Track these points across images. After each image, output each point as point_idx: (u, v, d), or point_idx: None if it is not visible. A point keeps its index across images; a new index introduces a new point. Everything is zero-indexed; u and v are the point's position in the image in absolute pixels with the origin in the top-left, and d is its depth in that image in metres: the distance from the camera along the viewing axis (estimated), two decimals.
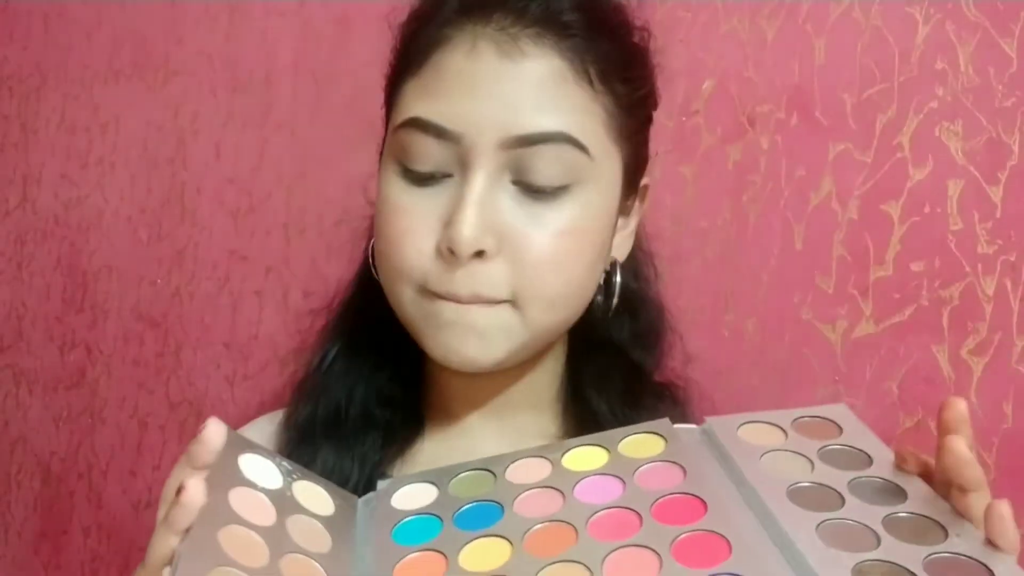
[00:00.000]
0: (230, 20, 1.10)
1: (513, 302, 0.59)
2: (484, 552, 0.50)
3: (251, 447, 0.53)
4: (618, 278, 0.68)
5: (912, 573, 0.44)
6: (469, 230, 0.56)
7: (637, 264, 0.74)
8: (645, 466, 0.53)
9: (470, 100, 0.57)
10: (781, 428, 0.55)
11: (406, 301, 0.61)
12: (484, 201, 0.57)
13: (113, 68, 1.15)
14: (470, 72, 0.58)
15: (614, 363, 0.70)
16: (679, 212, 0.98)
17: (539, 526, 0.50)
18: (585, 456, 0.55)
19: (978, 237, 0.92)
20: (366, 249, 0.72)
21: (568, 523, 0.50)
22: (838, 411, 0.57)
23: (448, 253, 0.57)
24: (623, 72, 0.62)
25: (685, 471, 0.52)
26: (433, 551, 0.50)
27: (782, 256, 0.96)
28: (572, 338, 0.69)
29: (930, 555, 0.45)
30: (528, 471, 0.55)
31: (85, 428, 1.17)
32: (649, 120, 0.68)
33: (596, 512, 0.50)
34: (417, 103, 0.59)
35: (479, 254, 0.57)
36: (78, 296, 1.16)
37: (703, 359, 0.89)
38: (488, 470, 0.56)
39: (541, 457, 0.56)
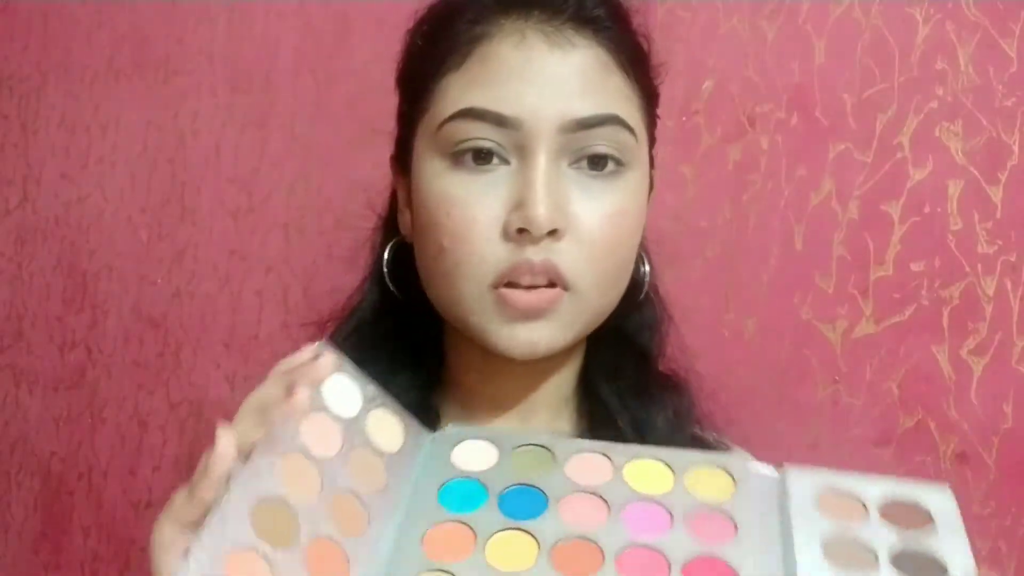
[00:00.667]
0: (230, 20, 1.10)
1: (573, 287, 0.60)
2: (511, 547, 0.49)
3: (341, 367, 0.53)
4: (646, 266, 0.70)
5: None
6: (545, 208, 0.57)
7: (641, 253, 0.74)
8: (702, 511, 0.51)
9: (526, 87, 0.59)
10: (865, 506, 0.50)
11: (470, 295, 0.60)
12: (551, 182, 0.58)
13: (113, 68, 1.15)
14: (522, 61, 0.59)
15: (623, 352, 0.71)
16: (679, 212, 0.98)
17: (572, 540, 0.49)
18: (649, 472, 0.54)
19: (978, 237, 0.92)
20: (378, 257, 0.72)
21: (599, 546, 0.49)
22: (939, 497, 0.51)
23: (517, 234, 0.58)
24: (645, 66, 0.66)
25: (737, 532, 0.49)
26: (466, 526, 0.50)
27: (782, 256, 0.96)
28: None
29: None
30: (588, 469, 0.54)
31: (85, 428, 1.17)
32: (657, 117, 0.70)
33: (629, 547, 0.49)
34: (467, 94, 0.60)
35: (551, 233, 0.58)
36: (78, 296, 1.16)
37: (703, 359, 0.89)
38: (550, 451, 0.55)
39: (606, 457, 0.55)
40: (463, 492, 0.53)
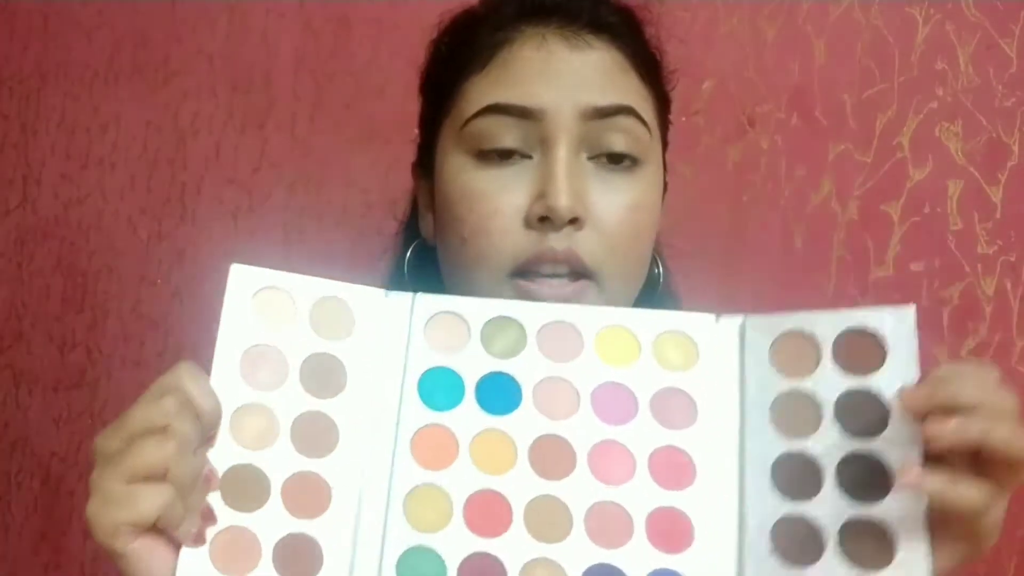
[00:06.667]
0: (230, 20, 1.10)
1: (596, 275, 0.61)
2: (491, 449, 0.53)
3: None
4: (659, 268, 0.71)
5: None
6: (566, 197, 0.59)
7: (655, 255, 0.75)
8: (664, 392, 0.54)
9: (546, 82, 0.61)
10: (818, 348, 0.52)
11: (489, 286, 0.61)
12: (571, 172, 0.60)
13: (113, 68, 1.15)
14: (542, 60, 0.62)
15: None
16: (679, 212, 0.98)
17: (545, 435, 0.53)
18: (615, 343, 0.55)
19: (978, 237, 0.92)
20: (400, 261, 0.72)
21: (571, 445, 0.53)
22: (896, 321, 0.50)
23: (539, 223, 0.59)
24: (658, 72, 0.68)
25: (696, 415, 0.53)
26: (446, 429, 0.54)
27: (782, 256, 0.96)
28: None
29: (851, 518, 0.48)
30: (556, 343, 0.55)
31: (85, 428, 1.17)
32: (669, 122, 0.71)
33: (598, 443, 0.53)
34: (490, 93, 0.62)
35: (573, 221, 0.59)
36: (78, 296, 1.16)
37: None
38: (520, 323, 0.56)
39: (574, 328, 0.55)
40: (441, 385, 0.55)
